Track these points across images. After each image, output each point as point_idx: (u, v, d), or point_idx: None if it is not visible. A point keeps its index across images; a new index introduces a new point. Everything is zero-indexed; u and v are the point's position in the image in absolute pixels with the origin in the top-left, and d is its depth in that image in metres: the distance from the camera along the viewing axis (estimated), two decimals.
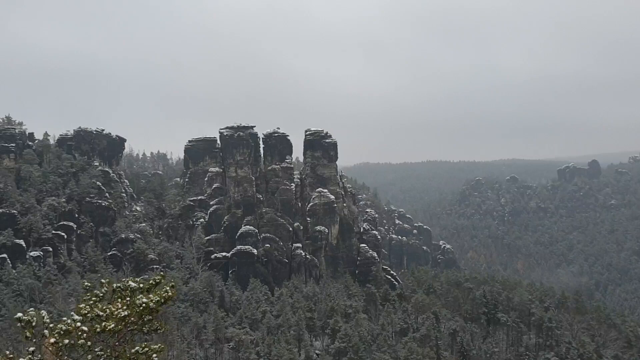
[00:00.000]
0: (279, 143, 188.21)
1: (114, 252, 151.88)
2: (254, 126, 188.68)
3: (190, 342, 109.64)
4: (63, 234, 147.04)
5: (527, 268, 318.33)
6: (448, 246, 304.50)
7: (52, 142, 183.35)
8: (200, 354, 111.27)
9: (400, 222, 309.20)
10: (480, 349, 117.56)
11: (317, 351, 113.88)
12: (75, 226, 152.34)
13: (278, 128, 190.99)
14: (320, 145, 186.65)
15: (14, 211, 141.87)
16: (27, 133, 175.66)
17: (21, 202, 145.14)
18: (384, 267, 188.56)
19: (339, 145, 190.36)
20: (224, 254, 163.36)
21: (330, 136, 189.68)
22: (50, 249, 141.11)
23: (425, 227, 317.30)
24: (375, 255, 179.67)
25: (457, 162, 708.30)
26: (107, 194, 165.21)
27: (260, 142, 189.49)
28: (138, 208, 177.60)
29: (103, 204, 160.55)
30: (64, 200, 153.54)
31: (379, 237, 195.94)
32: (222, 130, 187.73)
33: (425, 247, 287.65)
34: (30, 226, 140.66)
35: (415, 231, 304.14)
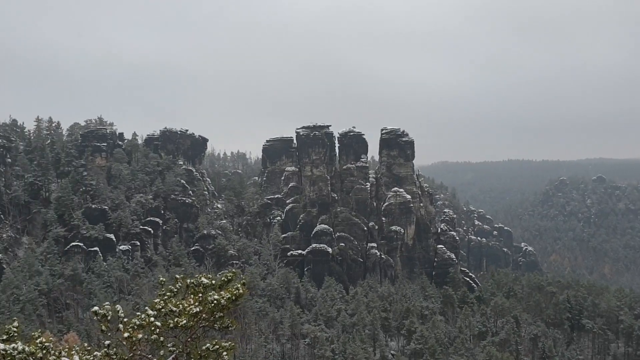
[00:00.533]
0: (354, 142, 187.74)
1: (196, 247, 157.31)
2: (330, 125, 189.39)
3: (268, 337, 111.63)
4: (150, 229, 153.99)
5: (615, 273, 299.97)
6: (530, 248, 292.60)
7: (140, 141, 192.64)
8: (277, 349, 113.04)
9: (480, 223, 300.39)
10: (564, 355, 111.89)
11: (392, 351, 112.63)
12: (161, 222, 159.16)
13: (353, 127, 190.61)
14: (397, 144, 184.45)
15: (105, 207, 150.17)
16: (117, 133, 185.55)
17: (112, 199, 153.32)
18: (462, 269, 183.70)
19: (415, 144, 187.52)
20: (299, 251, 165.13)
21: (407, 135, 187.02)
22: (138, 243, 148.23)
23: (505, 228, 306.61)
24: (453, 256, 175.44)
25: (540, 161, 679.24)
26: (190, 192, 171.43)
27: (336, 141, 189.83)
28: (219, 205, 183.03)
29: (187, 201, 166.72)
30: (150, 197, 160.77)
31: (457, 238, 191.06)
32: (298, 130, 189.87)
33: (505, 249, 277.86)
34: (120, 221, 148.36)
35: (495, 232, 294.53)
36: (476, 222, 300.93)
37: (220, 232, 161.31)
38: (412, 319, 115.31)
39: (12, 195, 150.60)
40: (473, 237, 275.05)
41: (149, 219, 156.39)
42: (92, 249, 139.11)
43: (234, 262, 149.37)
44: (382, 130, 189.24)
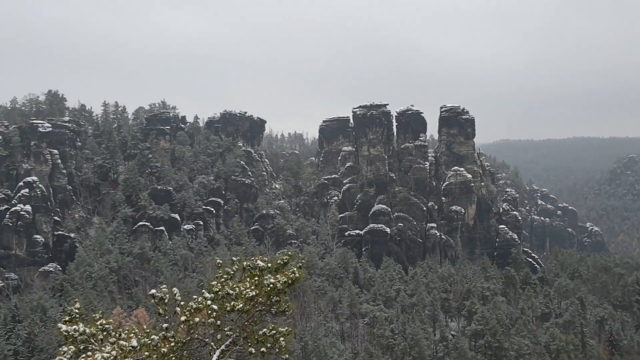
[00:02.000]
0: (412, 120, 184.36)
1: (256, 226, 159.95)
2: (387, 104, 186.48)
3: (327, 315, 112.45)
4: (212, 209, 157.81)
5: None
6: (596, 228, 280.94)
7: (201, 124, 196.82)
8: (336, 327, 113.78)
9: (543, 203, 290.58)
10: (632, 339, 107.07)
11: (452, 332, 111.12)
12: (222, 202, 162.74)
13: (412, 105, 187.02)
14: (457, 122, 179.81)
15: (170, 188, 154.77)
16: (179, 116, 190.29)
17: (176, 180, 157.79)
18: (525, 249, 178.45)
19: (476, 121, 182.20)
20: (357, 231, 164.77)
21: (467, 112, 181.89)
22: (201, 223, 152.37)
23: (570, 207, 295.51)
24: (516, 236, 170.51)
25: (608, 138, 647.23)
26: (250, 173, 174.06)
27: (393, 120, 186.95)
28: (277, 186, 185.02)
29: (246, 182, 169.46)
30: (212, 178, 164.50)
31: (519, 218, 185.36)
32: (355, 110, 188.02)
33: (570, 229, 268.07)
34: (184, 202, 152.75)
35: (559, 212, 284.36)
36: (539, 202, 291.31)
37: (278, 212, 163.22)
38: (472, 299, 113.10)
39: (83, 177, 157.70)
40: (536, 217, 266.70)
41: (211, 199, 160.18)
42: (158, 228, 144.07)
43: (293, 241, 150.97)
44: (441, 108, 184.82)
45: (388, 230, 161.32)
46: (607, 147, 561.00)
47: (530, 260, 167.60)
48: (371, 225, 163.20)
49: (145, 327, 11.62)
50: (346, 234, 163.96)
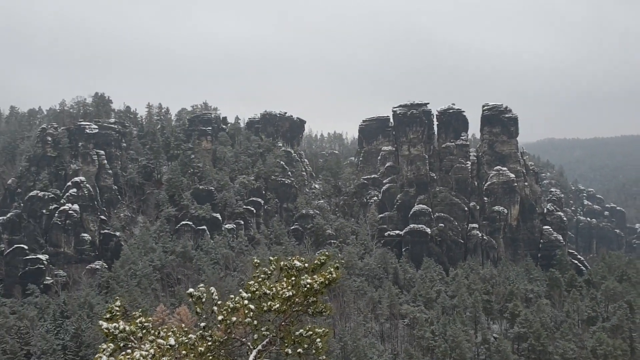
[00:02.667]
0: (453, 119, 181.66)
1: (296, 226, 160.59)
2: (428, 103, 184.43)
3: (366, 316, 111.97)
4: (252, 208, 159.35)
5: None
6: None
7: (242, 125, 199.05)
8: (375, 328, 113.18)
9: (590, 203, 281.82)
10: None
11: (494, 335, 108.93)
12: (262, 202, 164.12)
13: (453, 104, 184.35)
14: (499, 121, 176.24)
15: (212, 188, 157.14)
16: (221, 117, 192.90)
17: (217, 180, 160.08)
18: (570, 251, 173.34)
19: (519, 120, 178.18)
20: (397, 232, 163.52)
21: (510, 110, 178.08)
22: (242, 222, 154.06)
23: (618, 208, 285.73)
24: (560, 238, 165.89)
25: None
26: (289, 173, 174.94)
27: (434, 119, 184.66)
28: (317, 186, 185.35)
29: (286, 182, 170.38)
30: (252, 178, 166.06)
31: (564, 218, 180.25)
32: (395, 109, 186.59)
33: (617, 231, 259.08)
34: (225, 201, 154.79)
35: (606, 213, 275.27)
36: (585, 202, 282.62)
37: (318, 212, 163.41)
38: (515, 302, 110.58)
39: (128, 177, 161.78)
40: (582, 217, 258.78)
41: (251, 199, 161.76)
42: (200, 227, 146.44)
43: (332, 241, 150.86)
44: (483, 106, 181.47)
45: (428, 230, 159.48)
46: None
47: (576, 262, 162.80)
48: (411, 225, 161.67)
49: (184, 325, 11.66)
50: (386, 234, 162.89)
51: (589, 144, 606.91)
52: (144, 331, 10.93)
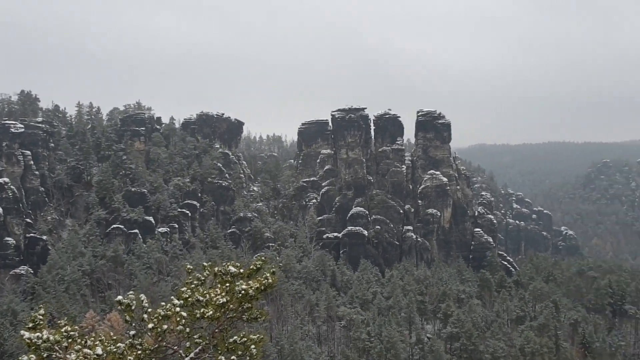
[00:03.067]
0: (390, 124, 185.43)
1: (233, 229, 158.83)
2: (365, 108, 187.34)
3: (304, 319, 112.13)
4: (187, 211, 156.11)
5: None
6: (570, 232, 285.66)
7: (177, 125, 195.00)
8: (312, 330, 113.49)
9: (518, 207, 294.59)
10: (605, 341, 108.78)
11: (428, 335, 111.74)
12: (198, 205, 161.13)
13: (389, 109, 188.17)
14: (433, 126, 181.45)
15: (144, 190, 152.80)
16: (155, 117, 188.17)
17: (150, 182, 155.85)
18: (500, 252, 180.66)
19: (452, 126, 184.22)
20: (335, 234, 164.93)
21: (443, 117, 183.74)
22: (176, 226, 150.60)
23: (545, 211, 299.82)
24: (491, 240, 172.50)
25: (582, 143, 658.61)
26: (227, 175, 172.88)
27: (371, 124, 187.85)
28: (255, 188, 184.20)
29: (223, 184, 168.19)
30: (188, 180, 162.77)
31: (494, 221, 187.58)
32: (333, 113, 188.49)
33: (544, 233, 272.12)
34: (158, 204, 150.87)
35: (534, 216, 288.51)
36: (514, 206, 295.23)
37: (256, 215, 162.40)
38: (448, 302, 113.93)
39: (56, 178, 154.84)
40: (511, 220, 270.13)
41: (186, 201, 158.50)
42: (132, 231, 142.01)
43: (270, 244, 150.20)
44: (418, 112, 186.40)
45: (365, 233, 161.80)
46: (582, 152, 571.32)
47: (506, 263, 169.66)
48: (349, 228, 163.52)
49: (112, 333, 11.26)
50: (324, 236, 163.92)
51: (518, 149, 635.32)
52: (70, 340, 10.48)
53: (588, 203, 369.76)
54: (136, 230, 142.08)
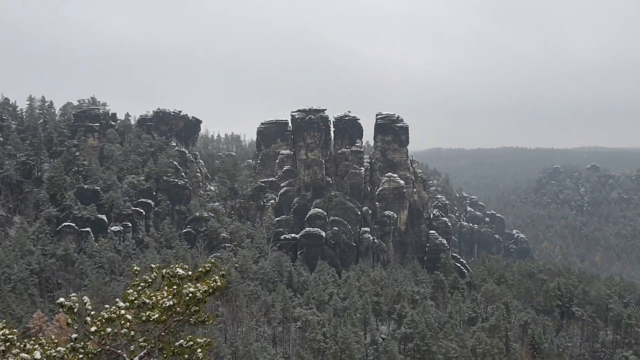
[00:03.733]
0: (349, 126, 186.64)
1: (188, 229, 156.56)
2: (325, 109, 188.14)
3: (259, 320, 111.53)
4: (142, 210, 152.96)
5: (606, 261, 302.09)
6: (522, 235, 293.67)
7: (132, 122, 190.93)
8: (268, 332, 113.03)
9: (472, 210, 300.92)
10: (553, 342, 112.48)
11: (382, 335, 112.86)
12: (153, 203, 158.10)
13: (349, 111, 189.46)
14: (391, 130, 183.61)
15: (97, 188, 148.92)
16: (110, 113, 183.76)
17: (104, 179, 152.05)
18: (454, 254, 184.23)
19: (410, 129, 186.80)
20: (293, 235, 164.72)
21: (401, 120, 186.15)
22: (130, 225, 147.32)
23: (498, 215, 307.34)
24: (445, 242, 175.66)
25: (535, 149, 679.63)
26: (183, 174, 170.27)
27: (331, 126, 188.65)
28: (212, 188, 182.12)
29: (179, 183, 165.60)
30: (143, 178, 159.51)
31: (449, 224, 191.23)
32: (293, 113, 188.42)
33: (497, 236, 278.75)
34: (112, 202, 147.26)
35: (487, 219, 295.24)
36: (468, 209, 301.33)
37: (212, 215, 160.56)
38: (403, 303, 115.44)
39: (4, 174, 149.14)
40: (465, 223, 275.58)
41: (140, 200, 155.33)
42: (84, 229, 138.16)
43: (226, 245, 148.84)
44: (377, 115, 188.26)
45: (323, 234, 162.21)
46: (534, 157, 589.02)
47: (459, 265, 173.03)
48: (307, 229, 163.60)
49: (59, 336, 10.89)
50: (282, 237, 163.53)
51: (473, 154, 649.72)
52: (8, 344, 10.10)
53: (539, 207, 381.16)
54: (88, 229, 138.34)
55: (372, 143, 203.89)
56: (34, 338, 10.84)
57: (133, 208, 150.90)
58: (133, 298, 10.98)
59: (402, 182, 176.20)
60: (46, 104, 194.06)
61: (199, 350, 10.91)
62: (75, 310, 10.22)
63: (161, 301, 10.84)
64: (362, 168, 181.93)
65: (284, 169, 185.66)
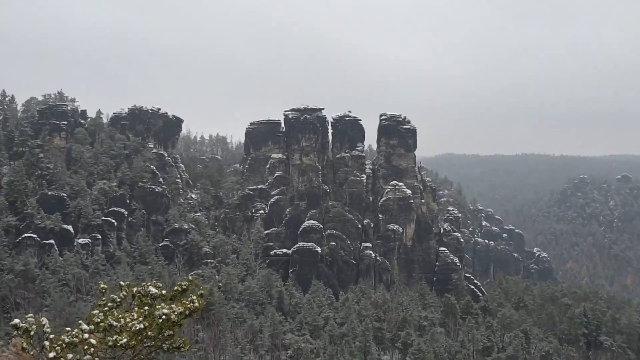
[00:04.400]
0: (349, 128, 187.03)
1: (166, 242, 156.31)
2: (322, 109, 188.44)
3: (244, 347, 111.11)
4: (113, 220, 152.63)
5: (639, 284, 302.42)
6: (543, 254, 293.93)
7: (105, 121, 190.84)
8: None
9: (488, 224, 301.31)
10: None
11: None
12: (126, 213, 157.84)
13: (349, 111, 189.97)
14: (397, 132, 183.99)
15: (63, 194, 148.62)
16: (79, 111, 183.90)
17: (71, 185, 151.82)
18: (467, 274, 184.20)
19: (418, 132, 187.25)
20: (284, 250, 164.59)
21: (408, 122, 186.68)
22: (100, 237, 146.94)
23: (517, 230, 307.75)
24: (457, 260, 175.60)
25: (559, 156, 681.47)
26: (161, 179, 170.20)
27: (329, 127, 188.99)
28: (193, 196, 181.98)
29: (157, 190, 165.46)
30: (115, 184, 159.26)
31: (461, 240, 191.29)
32: (287, 113, 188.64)
33: (516, 254, 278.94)
34: (79, 211, 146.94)
35: (505, 235, 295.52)
36: (484, 223, 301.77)
37: (193, 226, 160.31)
38: (408, 330, 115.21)
39: None
40: (480, 239, 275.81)
41: (112, 209, 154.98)
42: (47, 241, 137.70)
43: (209, 260, 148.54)
44: (381, 116, 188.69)
45: (319, 249, 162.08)
46: (558, 166, 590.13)
47: (472, 287, 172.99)
48: (300, 243, 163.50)
49: None
50: (272, 252, 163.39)
51: (489, 161, 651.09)
52: None
53: (563, 222, 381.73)
54: (52, 241, 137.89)
55: (375, 147, 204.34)
56: None
57: (103, 218, 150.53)
58: (99, 320, 10.89)
59: (408, 191, 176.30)
60: (7, 99, 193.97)
61: None
62: (32, 333, 10.13)
63: (130, 324, 10.76)
64: (363, 175, 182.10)
65: (276, 175, 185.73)
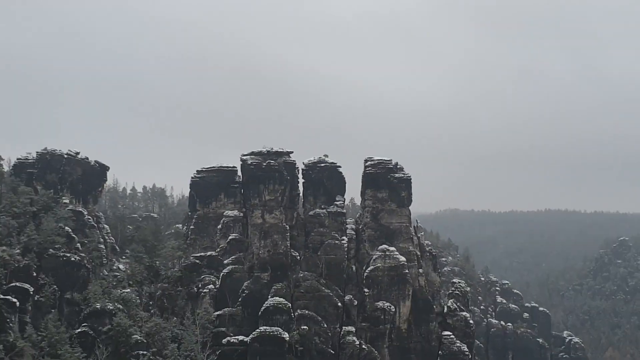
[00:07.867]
0: (326, 177, 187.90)
1: (84, 328, 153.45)
2: (291, 152, 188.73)
3: None
4: (14, 300, 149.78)
5: None
6: (576, 339, 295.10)
7: (6, 169, 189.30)
8: None
9: (504, 301, 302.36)
10: None
11: None
12: (32, 290, 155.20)
13: (325, 155, 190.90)
14: (387, 182, 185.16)
15: None
16: None
17: None
18: None
19: (414, 182, 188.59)
20: (240, 337, 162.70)
21: (401, 169, 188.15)
22: None
23: (541, 309, 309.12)
24: (466, 348, 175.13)
25: (592, 213, 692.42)
26: (78, 245, 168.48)
27: (300, 176, 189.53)
28: (121, 266, 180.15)
29: (72, 259, 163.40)
30: (18, 251, 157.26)
31: (471, 321, 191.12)
32: (245, 157, 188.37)
33: (540, 340, 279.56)
34: None
35: (526, 315, 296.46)
36: (499, 299, 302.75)
37: (121, 307, 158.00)
38: None
39: None
40: (494, 320, 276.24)
41: (13, 284, 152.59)
42: None
43: (141, 352, 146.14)
44: (366, 161, 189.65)
45: (286, 336, 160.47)
46: (591, 225, 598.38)
47: None
48: (262, 328, 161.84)
49: None
50: (224, 341, 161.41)
51: (504, 219, 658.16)
52: None
53: (600, 298, 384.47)
54: None
55: (358, 202, 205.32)
56: None
57: (2, 296, 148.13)
58: None
59: (402, 258, 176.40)
60: None
61: None
62: None
63: None
64: (344, 238, 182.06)
65: (230, 238, 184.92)
